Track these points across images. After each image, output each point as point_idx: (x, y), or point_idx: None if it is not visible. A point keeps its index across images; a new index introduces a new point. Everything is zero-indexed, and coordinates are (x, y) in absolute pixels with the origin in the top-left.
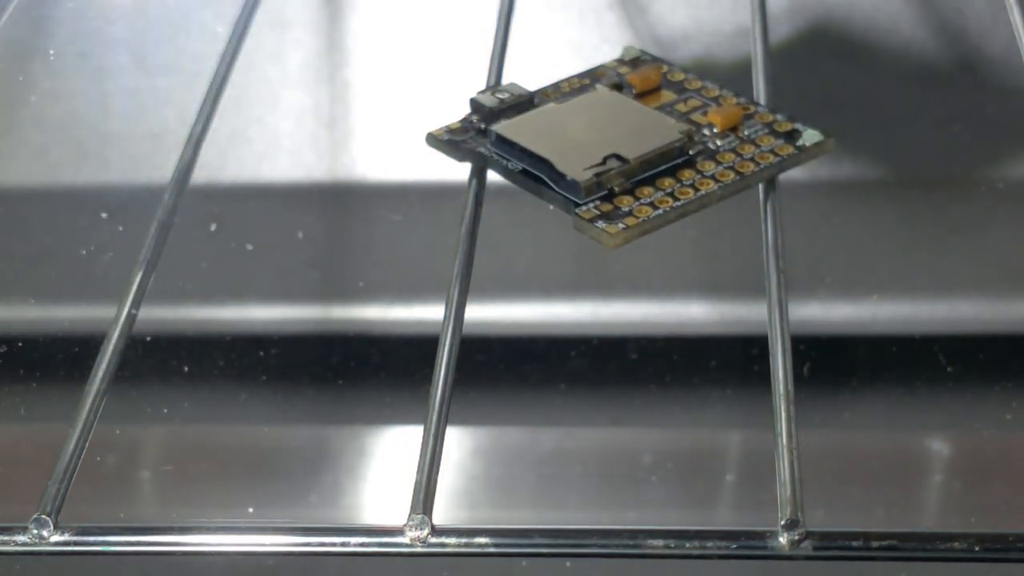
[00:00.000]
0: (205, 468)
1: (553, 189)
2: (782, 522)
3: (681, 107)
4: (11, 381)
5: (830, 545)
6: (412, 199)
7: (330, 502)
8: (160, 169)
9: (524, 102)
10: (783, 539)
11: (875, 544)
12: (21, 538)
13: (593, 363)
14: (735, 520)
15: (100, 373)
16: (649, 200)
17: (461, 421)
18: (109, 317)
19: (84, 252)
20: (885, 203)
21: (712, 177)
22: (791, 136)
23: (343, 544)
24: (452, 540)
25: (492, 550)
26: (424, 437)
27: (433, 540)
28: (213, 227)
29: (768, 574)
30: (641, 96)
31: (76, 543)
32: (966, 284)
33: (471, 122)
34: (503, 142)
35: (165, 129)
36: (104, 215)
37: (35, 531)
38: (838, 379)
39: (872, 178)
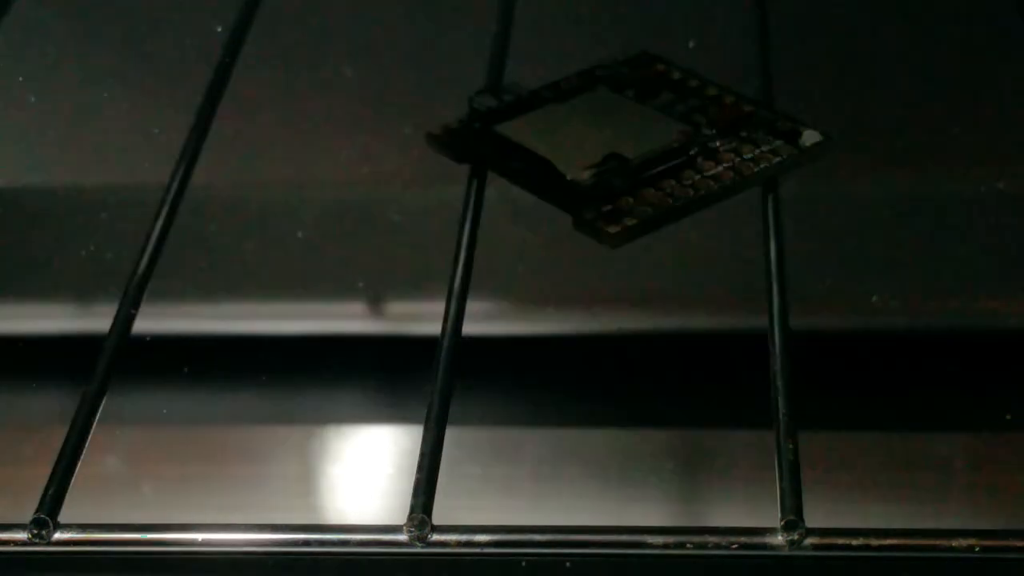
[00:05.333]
0: (204, 468)
1: (553, 189)
2: (782, 521)
3: (681, 107)
4: (11, 381)
5: (830, 544)
6: (412, 199)
7: (330, 502)
8: (160, 169)
9: (524, 102)
10: (783, 538)
11: (875, 543)
12: (21, 537)
13: (593, 363)
14: (735, 520)
15: (100, 373)
16: (649, 200)
17: (461, 421)
18: (109, 317)
19: (84, 252)
20: (885, 202)
21: (712, 177)
22: (791, 136)
23: (343, 543)
24: (452, 539)
25: (492, 549)
26: (424, 437)
27: (433, 539)
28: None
29: (768, 573)
30: (641, 96)
31: (76, 543)
32: (966, 284)
33: (471, 122)
34: (503, 142)
35: (165, 129)
36: (104, 215)
37: (35, 531)
38: (838, 379)
39: (872, 177)
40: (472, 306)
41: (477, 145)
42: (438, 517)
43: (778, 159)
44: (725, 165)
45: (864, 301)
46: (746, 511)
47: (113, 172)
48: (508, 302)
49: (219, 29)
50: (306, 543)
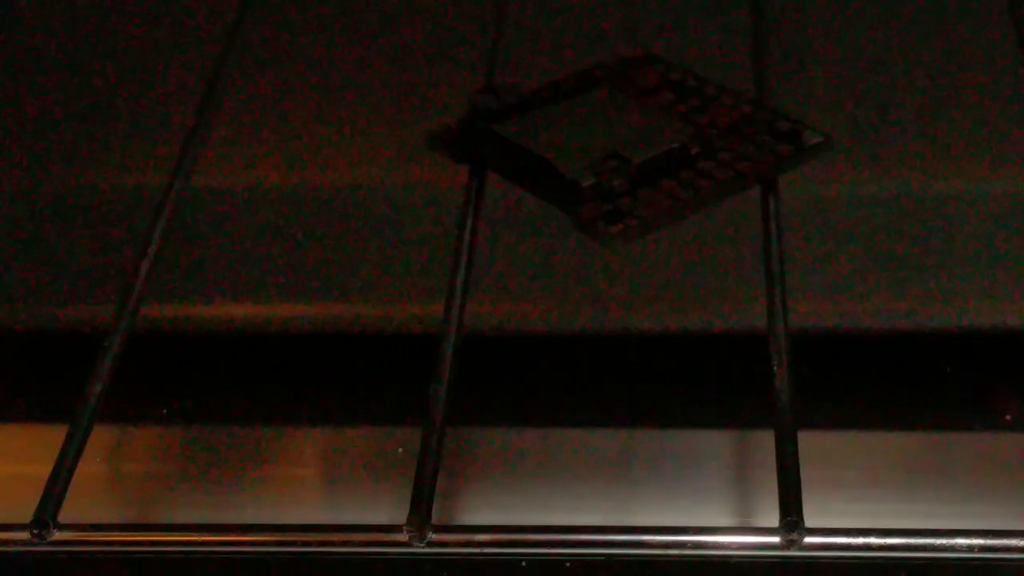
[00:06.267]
0: (204, 468)
1: (553, 189)
2: (782, 521)
3: (681, 107)
4: (11, 381)
5: (830, 544)
6: (412, 199)
7: (330, 502)
8: (160, 169)
9: (524, 102)
10: (783, 538)
11: (875, 543)
12: (21, 537)
13: (593, 363)
14: (735, 520)
15: (100, 373)
16: (649, 200)
17: (461, 421)
18: (109, 317)
19: (84, 252)
20: (885, 202)
21: (712, 177)
22: (791, 136)
23: (343, 543)
24: (452, 539)
25: (492, 549)
26: (424, 437)
27: (433, 539)
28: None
29: (768, 573)
30: (641, 96)
31: (76, 543)
32: (966, 284)
33: (471, 122)
34: (503, 142)
35: (165, 129)
36: (104, 215)
37: (35, 531)
38: (838, 379)
39: (872, 178)
40: (472, 306)
41: (477, 145)
42: (438, 517)
43: (778, 159)
44: (725, 165)
45: (864, 301)
46: (746, 511)
47: (113, 172)
48: (508, 302)
49: (219, 29)
50: (306, 543)
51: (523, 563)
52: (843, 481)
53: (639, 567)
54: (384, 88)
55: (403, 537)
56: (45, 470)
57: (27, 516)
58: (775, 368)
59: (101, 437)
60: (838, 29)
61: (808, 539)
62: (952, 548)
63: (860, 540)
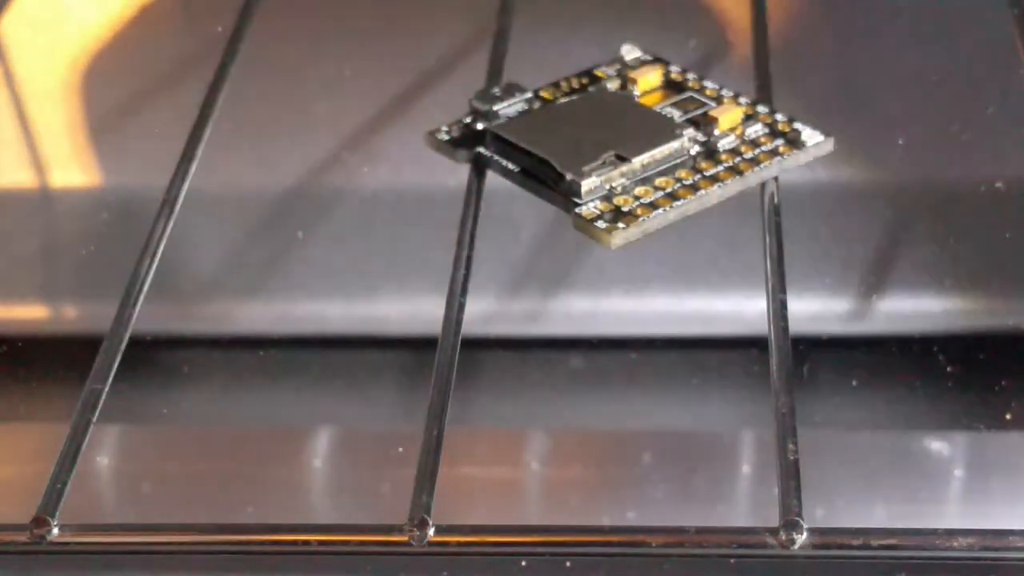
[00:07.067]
0: (204, 468)
1: (553, 189)
2: (782, 521)
3: (681, 107)
4: (11, 381)
5: (830, 544)
6: (411, 199)
7: (330, 502)
8: (160, 169)
9: (524, 102)
10: (783, 538)
11: (875, 544)
12: (21, 538)
13: (593, 363)
14: (735, 520)
15: (100, 373)
16: (649, 200)
17: (461, 421)
18: (109, 317)
19: (84, 252)
20: (885, 202)
21: (712, 177)
22: (791, 136)
23: (343, 544)
24: (452, 539)
25: (492, 549)
26: (424, 437)
27: (433, 540)
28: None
29: (768, 574)
30: (641, 96)
31: (76, 543)
32: (966, 284)
33: (470, 122)
34: (503, 142)
35: (165, 128)
36: (104, 215)
37: (35, 531)
38: (838, 379)
39: (872, 177)
40: (472, 306)
41: (477, 145)
42: (438, 517)
43: (778, 159)
44: (725, 165)
45: (864, 301)
46: (746, 511)
47: (113, 172)
48: (508, 302)
49: (219, 29)
50: (306, 543)
51: (523, 563)
52: (843, 481)
53: (639, 567)
54: (384, 88)
55: (403, 537)
56: (45, 470)
57: (27, 516)
58: (775, 368)
59: (101, 437)
60: (838, 29)
61: (808, 539)
62: (952, 548)
63: (860, 540)
